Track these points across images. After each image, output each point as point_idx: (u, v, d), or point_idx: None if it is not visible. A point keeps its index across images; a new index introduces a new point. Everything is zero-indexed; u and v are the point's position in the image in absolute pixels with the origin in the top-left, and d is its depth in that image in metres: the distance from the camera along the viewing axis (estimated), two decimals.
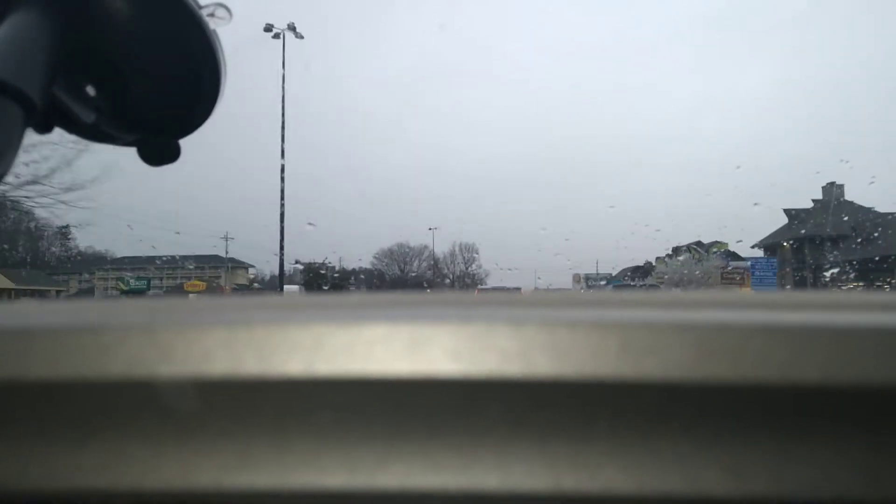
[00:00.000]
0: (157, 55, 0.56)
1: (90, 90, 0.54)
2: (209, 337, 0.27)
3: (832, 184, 34.04)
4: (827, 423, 0.26)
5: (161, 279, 50.11)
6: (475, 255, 55.78)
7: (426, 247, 55.07)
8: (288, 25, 28.19)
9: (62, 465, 0.28)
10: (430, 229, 56.58)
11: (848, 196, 33.84)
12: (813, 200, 34.68)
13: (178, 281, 46.73)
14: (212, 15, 0.56)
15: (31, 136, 0.50)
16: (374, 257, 54.77)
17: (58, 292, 43.97)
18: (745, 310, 0.32)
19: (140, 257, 51.52)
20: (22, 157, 0.48)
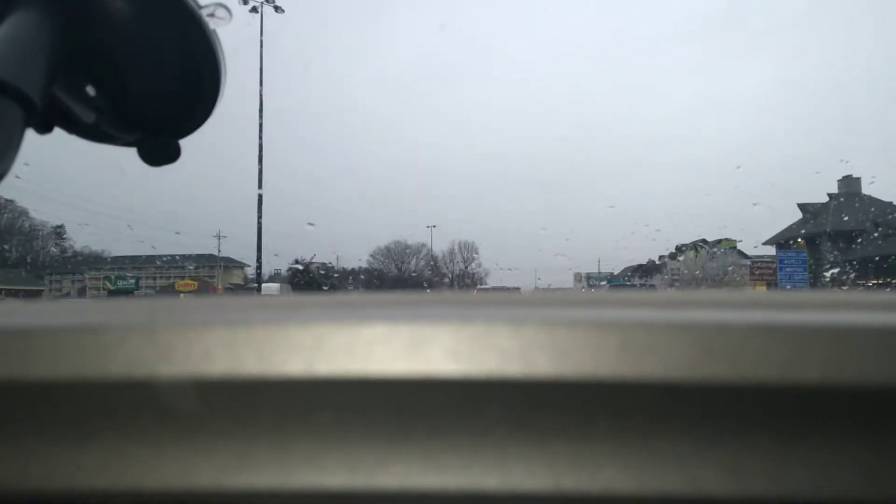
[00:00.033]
0: (157, 55, 0.56)
1: (90, 90, 0.54)
2: (209, 337, 0.27)
3: (848, 177, 32.95)
4: (827, 423, 0.26)
5: (154, 279, 49.99)
6: (475, 255, 55.57)
7: (424, 245, 54.70)
8: None
9: (62, 465, 0.28)
10: (428, 227, 56.16)
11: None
12: (829, 195, 33.39)
13: (172, 280, 46.45)
14: (212, 15, 0.56)
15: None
16: (371, 256, 54.38)
17: (39, 292, 43.55)
18: (745, 310, 0.32)
19: (133, 257, 51.38)
20: (22, 156, 0.48)
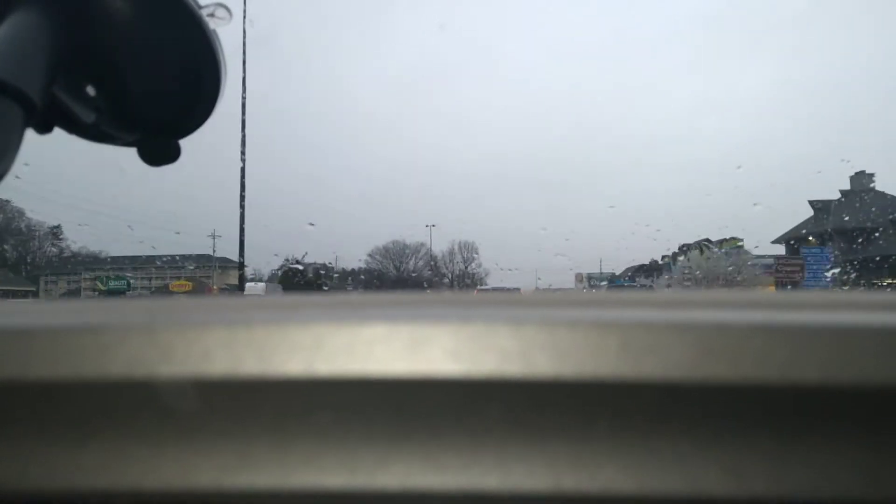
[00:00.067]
0: (157, 55, 0.56)
1: (90, 90, 0.54)
2: (209, 337, 0.27)
3: (861, 173, 31.88)
4: (827, 423, 0.26)
5: (150, 279, 49.84)
6: (475, 255, 55.38)
7: (423, 244, 54.39)
8: None
9: (62, 465, 0.28)
10: (427, 226, 55.78)
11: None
12: (841, 191, 32.21)
13: (168, 281, 46.25)
14: (212, 15, 0.56)
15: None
16: (369, 255, 54.01)
17: (28, 293, 43.25)
18: (745, 310, 0.32)
19: (132, 257, 51.19)
20: (21, 156, 0.48)
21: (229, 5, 0.59)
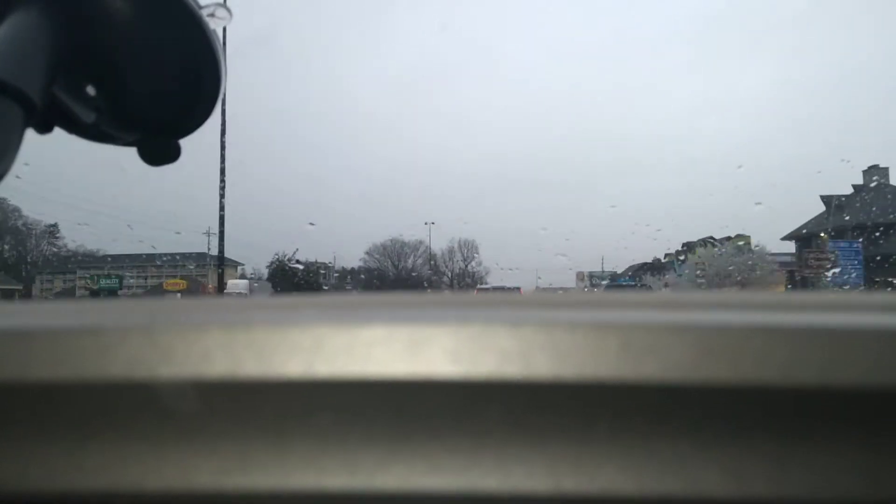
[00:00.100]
0: (157, 55, 0.56)
1: (90, 90, 0.54)
2: (209, 338, 0.27)
3: (875, 167, 30.83)
4: (827, 425, 0.26)
5: (146, 278, 49.62)
6: (475, 255, 55.11)
7: (422, 242, 53.86)
8: None
9: (62, 465, 0.28)
10: (426, 224, 55.12)
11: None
12: (854, 186, 31.04)
13: (163, 279, 45.89)
14: (212, 15, 0.56)
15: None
16: (367, 253, 53.49)
17: (13, 292, 42.84)
18: (745, 310, 0.32)
19: (128, 256, 50.99)
20: (21, 156, 0.48)
21: (229, 5, 0.59)
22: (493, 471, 0.26)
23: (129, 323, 0.28)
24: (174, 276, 45.48)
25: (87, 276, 42.87)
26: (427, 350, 0.26)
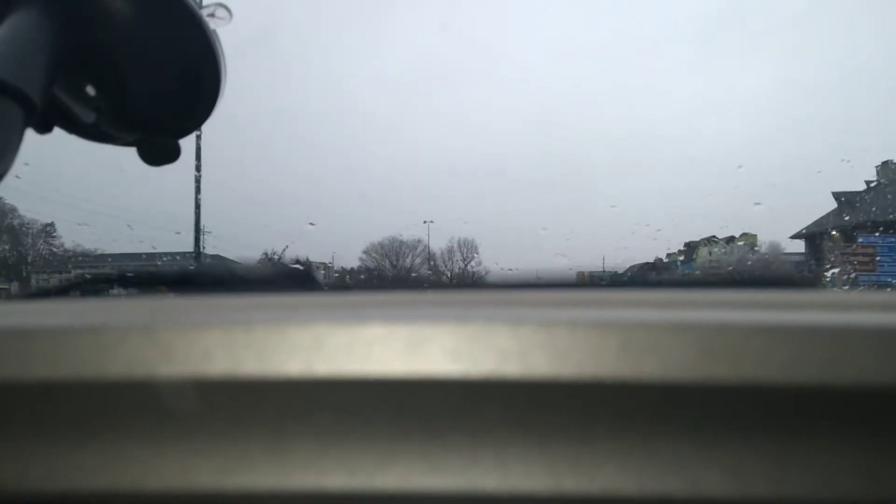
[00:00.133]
0: (158, 55, 0.56)
1: (90, 90, 0.54)
2: (209, 337, 0.27)
3: (888, 162, 28.57)
4: (827, 424, 0.26)
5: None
6: (475, 254, 54.93)
7: (420, 241, 53.44)
8: None
9: (62, 465, 0.28)
10: (425, 223, 54.57)
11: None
12: (866, 182, 30.32)
13: None
14: (212, 15, 0.56)
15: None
16: (364, 252, 53.08)
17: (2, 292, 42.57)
18: (745, 310, 0.32)
19: (128, 254, 50.96)
20: (21, 156, 0.48)
21: (229, 5, 0.59)
22: (492, 470, 0.26)
23: (128, 322, 0.28)
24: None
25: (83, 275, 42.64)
26: (427, 349, 0.26)
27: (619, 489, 0.26)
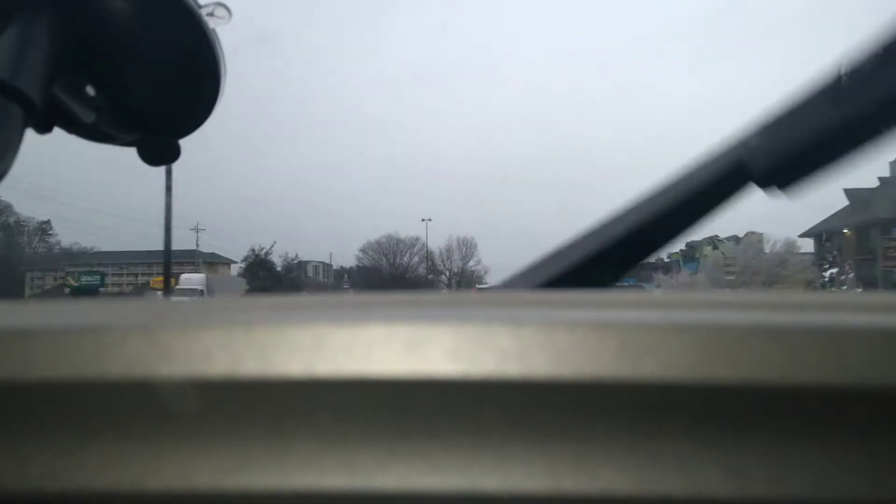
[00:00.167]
0: (157, 55, 0.56)
1: (90, 90, 0.54)
2: (209, 337, 0.27)
3: None
4: (827, 425, 0.26)
5: (137, 275, 49.15)
6: (474, 252, 54.35)
7: (418, 239, 52.53)
8: None
9: (62, 465, 0.28)
10: (423, 220, 53.30)
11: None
12: (879, 178, 28.56)
13: (152, 277, 45.15)
14: (212, 15, 0.56)
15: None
16: (360, 250, 52.04)
17: None
18: (745, 310, 0.32)
19: (128, 252, 50.60)
20: (21, 156, 0.48)
21: (229, 5, 0.59)
22: (492, 470, 0.26)
23: (129, 322, 0.28)
24: (152, 274, 44.89)
25: (72, 272, 41.49)
26: (427, 349, 0.26)
27: (620, 489, 0.26)
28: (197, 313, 0.33)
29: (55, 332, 0.28)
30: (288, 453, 0.27)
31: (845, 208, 30.35)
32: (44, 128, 0.53)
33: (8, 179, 0.49)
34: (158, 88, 0.58)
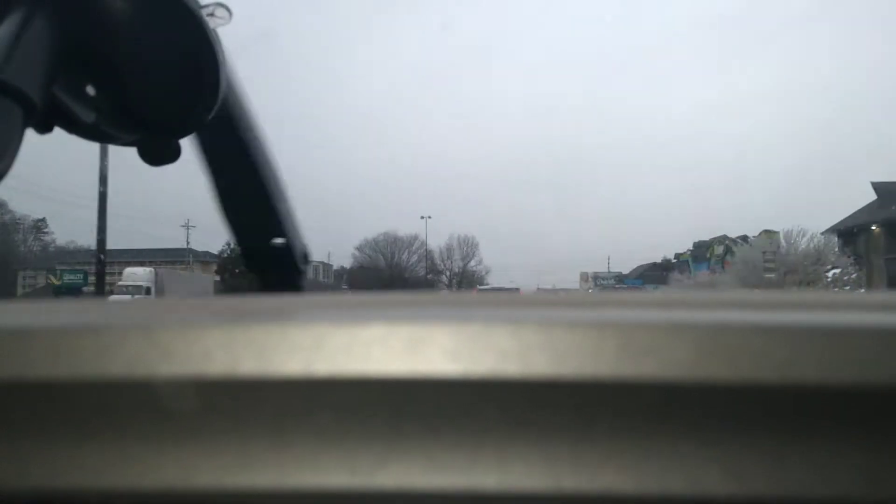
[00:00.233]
0: (158, 55, 0.56)
1: (90, 90, 0.54)
2: (209, 337, 0.27)
3: None
4: (827, 424, 0.26)
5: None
6: (475, 251, 53.75)
7: (417, 237, 51.13)
8: None
9: (62, 465, 0.28)
10: (422, 218, 51.34)
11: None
12: None
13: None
14: (212, 15, 0.56)
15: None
16: (357, 249, 50.66)
17: None
18: (745, 310, 0.32)
19: (127, 251, 50.24)
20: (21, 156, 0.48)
21: (229, 5, 0.59)
22: (492, 470, 0.26)
23: (128, 322, 0.28)
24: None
25: (54, 271, 40.36)
26: (426, 349, 0.26)
27: (620, 488, 0.26)
28: (197, 313, 0.33)
29: (55, 332, 0.28)
30: (287, 452, 0.27)
31: (873, 202, 28.27)
32: (44, 128, 0.53)
33: (8, 179, 0.49)
34: (158, 88, 0.58)
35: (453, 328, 0.26)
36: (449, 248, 53.38)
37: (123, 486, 0.27)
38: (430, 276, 50.75)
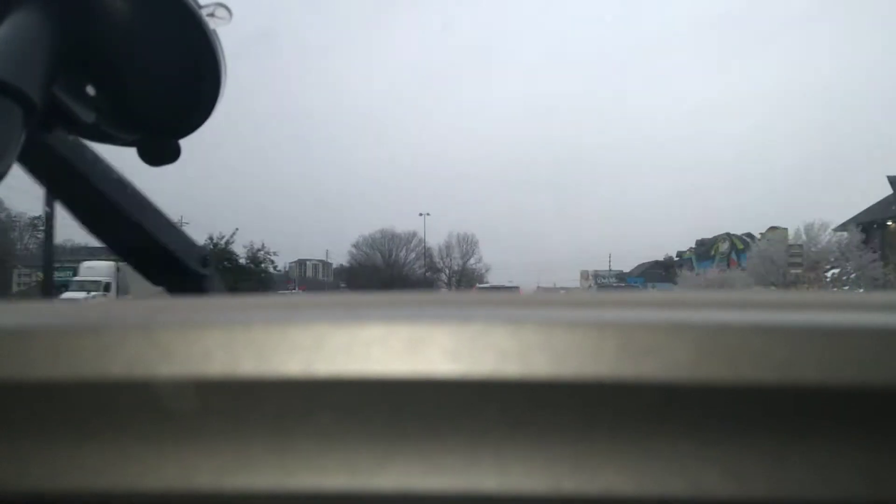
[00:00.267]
0: (158, 55, 0.56)
1: (90, 90, 0.54)
2: (209, 337, 0.27)
3: None
4: (827, 424, 0.26)
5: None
6: (475, 249, 53.37)
7: (415, 234, 50.23)
8: None
9: (62, 465, 0.28)
10: (420, 215, 50.14)
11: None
12: None
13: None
14: (212, 15, 0.56)
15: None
16: (354, 246, 49.60)
17: None
18: (745, 310, 0.32)
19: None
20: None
21: (229, 5, 0.59)
22: (491, 470, 0.26)
23: (128, 322, 0.28)
24: None
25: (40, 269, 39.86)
26: (426, 349, 0.26)
27: (620, 489, 0.26)
28: (197, 313, 0.33)
29: (55, 332, 0.28)
30: (288, 453, 0.27)
31: (890, 196, 26.90)
32: (44, 128, 0.53)
33: (10, 180, 0.49)
34: (158, 88, 0.58)
35: (453, 328, 0.26)
36: (448, 246, 53.01)
37: (123, 486, 0.27)
38: (428, 274, 50.45)
